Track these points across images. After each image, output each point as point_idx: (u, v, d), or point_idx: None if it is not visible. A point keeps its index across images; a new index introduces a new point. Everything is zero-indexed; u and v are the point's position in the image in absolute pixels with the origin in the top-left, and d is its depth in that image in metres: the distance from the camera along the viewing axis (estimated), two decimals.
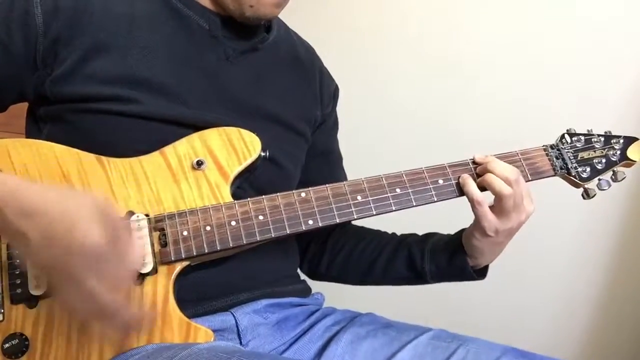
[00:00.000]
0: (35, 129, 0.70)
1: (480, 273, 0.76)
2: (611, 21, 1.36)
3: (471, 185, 0.68)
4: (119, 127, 0.65)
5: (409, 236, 0.82)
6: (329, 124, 0.88)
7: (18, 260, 0.58)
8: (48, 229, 0.48)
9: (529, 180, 0.71)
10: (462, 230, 0.75)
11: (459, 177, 0.70)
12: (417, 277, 0.79)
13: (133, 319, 0.54)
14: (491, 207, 0.68)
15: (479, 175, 0.70)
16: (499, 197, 0.67)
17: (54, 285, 0.52)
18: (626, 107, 1.35)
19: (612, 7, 1.36)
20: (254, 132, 0.68)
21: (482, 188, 0.69)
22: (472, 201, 0.68)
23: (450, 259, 0.75)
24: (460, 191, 0.70)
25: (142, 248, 0.60)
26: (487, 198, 0.69)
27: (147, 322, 0.58)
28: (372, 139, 1.53)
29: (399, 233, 0.85)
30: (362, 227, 0.87)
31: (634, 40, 1.34)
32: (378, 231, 0.86)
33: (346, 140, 0.93)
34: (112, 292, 0.50)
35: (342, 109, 0.91)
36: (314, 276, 0.89)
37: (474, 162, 0.71)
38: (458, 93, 1.49)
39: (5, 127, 0.95)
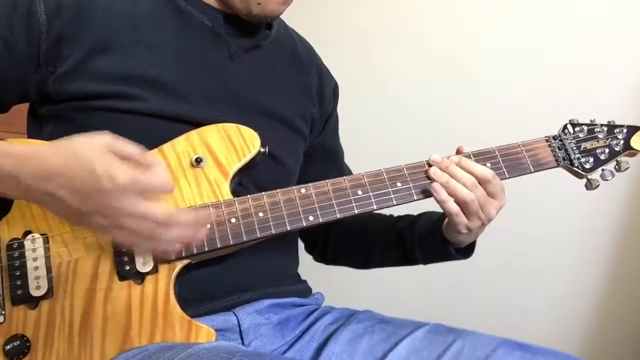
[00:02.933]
0: (37, 128, 0.70)
1: (467, 250, 0.77)
2: (611, 21, 1.36)
3: (449, 202, 0.67)
4: (124, 124, 0.64)
5: (400, 220, 0.83)
6: (331, 123, 0.89)
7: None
8: (73, 184, 0.50)
9: (531, 172, 0.71)
10: (441, 220, 0.75)
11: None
12: (408, 260, 0.81)
13: (191, 219, 0.54)
14: None
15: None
16: (462, 204, 0.67)
17: (103, 230, 0.53)
18: (626, 107, 1.34)
19: (611, 7, 1.36)
20: (255, 129, 0.68)
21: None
22: (449, 215, 0.68)
23: (435, 244, 0.76)
24: None
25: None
26: None
27: (204, 220, 0.57)
28: (372, 138, 1.53)
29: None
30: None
31: (634, 40, 1.34)
32: (373, 216, 0.85)
33: (347, 139, 0.93)
34: (158, 207, 0.51)
35: (343, 108, 0.92)
36: (327, 263, 0.91)
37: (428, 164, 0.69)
38: (458, 92, 1.49)
39: (6, 126, 0.95)
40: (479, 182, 0.67)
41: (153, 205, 0.51)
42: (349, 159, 0.92)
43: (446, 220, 0.72)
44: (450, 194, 0.67)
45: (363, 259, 0.86)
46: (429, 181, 0.68)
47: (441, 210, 0.70)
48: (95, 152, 0.51)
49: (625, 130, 0.72)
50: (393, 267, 0.85)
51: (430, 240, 0.76)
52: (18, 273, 0.59)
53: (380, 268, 0.87)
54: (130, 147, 0.53)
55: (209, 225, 0.61)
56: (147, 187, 0.51)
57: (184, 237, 0.54)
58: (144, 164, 0.53)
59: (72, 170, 0.50)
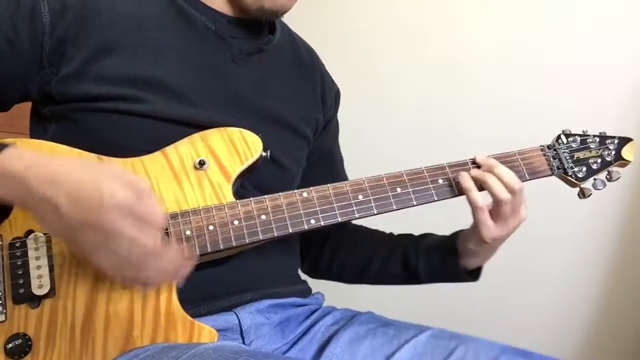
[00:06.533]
0: (40, 128, 0.73)
1: (473, 274, 0.81)
2: (611, 21, 1.42)
3: (474, 191, 0.72)
4: (126, 126, 0.68)
5: (405, 237, 0.87)
6: (331, 127, 0.92)
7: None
8: (76, 193, 0.52)
9: (527, 180, 0.76)
10: (458, 232, 0.80)
11: (457, 176, 0.74)
12: (411, 276, 0.84)
13: (179, 254, 0.56)
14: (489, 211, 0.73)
15: (475, 177, 0.74)
16: (498, 203, 0.72)
17: (90, 249, 0.54)
18: (626, 107, 1.41)
19: (611, 7, 1.42)
20: (257, 133, 0.72)
21: (480, 188, 0.74)
22: (474, 207, 0.73)
23: (443, 260, 0.80)
24: (460, 191, 0.74)
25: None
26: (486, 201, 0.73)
27: (190, 255, 0.59)
28: (372, 139, 1.58)
29: (400, 232, 0.90)
30: (359, 227, 0.92)
31: (634, 40, 1.40)
32: (374, 231, 0.90)
33: (347, 140, 0.98)
34: (152, 234, 0.54)
35: (343, 109, 0.95)
36: (314, 275, 0.94)
37: (473, 163, 0.76)
38: (458, 93, 1.54)
39: (7, 127, 0.98)
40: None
41: (146, 232, 0.53)
42: (349, 160, 0.96)
43: (466, 231, 0.76)
44: (489, 189, 0.72)
45: (359, 271, 0.88)
46: (428, 187, 0.73)
47: (447, 229, 0.74)
48: (104, 171, 0.54)
49: (616, 141, 0.78)
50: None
51: (439, 256, 0.80)
52: (20, 272, 0.61)
53: (372, 284, 0.89)
54: (137, 178, 0.56)
55: (193, 262, 0.61)
56: (143, 214, 0.53)
57: (169, 271, 0.56)
58: (146, 194, 0.55)
59: (78, 181, 0.52)
